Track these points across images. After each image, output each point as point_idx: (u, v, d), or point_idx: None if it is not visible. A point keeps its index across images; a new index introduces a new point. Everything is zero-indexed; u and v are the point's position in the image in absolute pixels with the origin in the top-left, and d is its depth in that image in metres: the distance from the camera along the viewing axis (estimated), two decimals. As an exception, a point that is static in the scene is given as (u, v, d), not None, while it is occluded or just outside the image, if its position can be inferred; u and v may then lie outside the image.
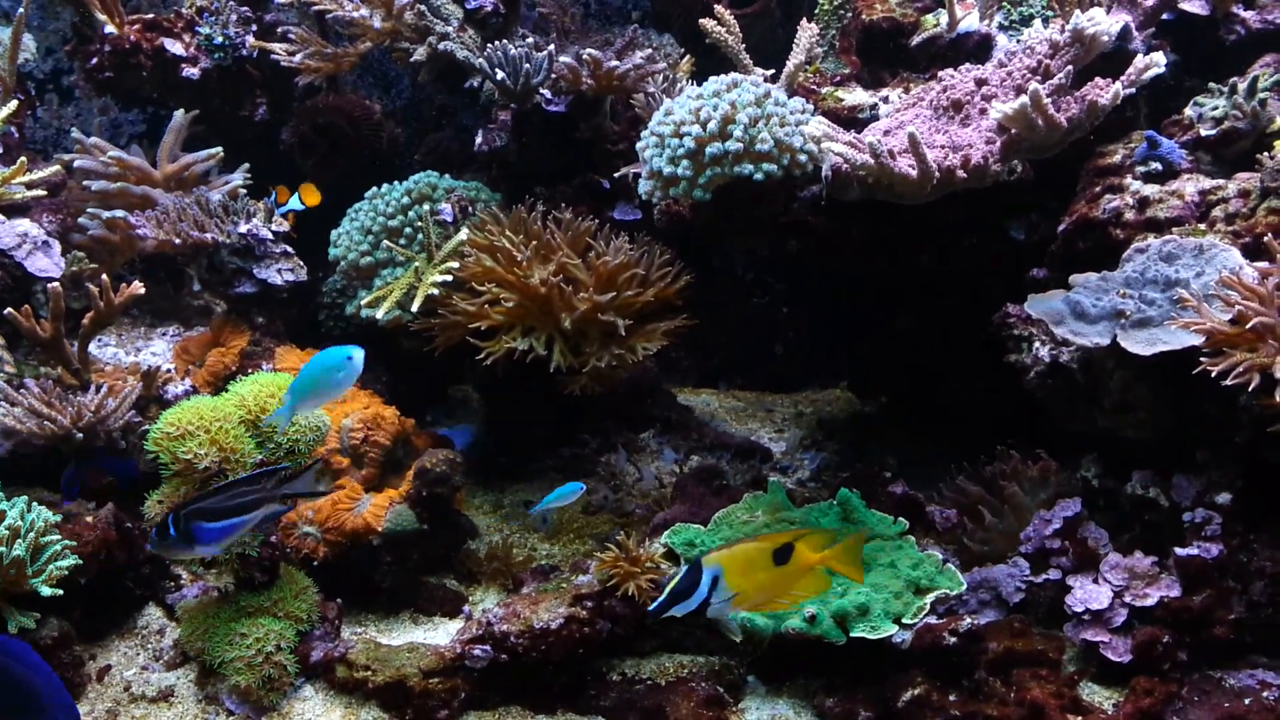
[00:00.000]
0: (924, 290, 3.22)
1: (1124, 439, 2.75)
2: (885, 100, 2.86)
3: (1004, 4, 2.94)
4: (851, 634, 2.52)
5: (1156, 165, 2.71)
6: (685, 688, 2.64)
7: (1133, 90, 2.50)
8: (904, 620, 2.55)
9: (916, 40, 2.91)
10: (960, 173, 2.38)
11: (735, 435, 3.60)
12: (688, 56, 3.21)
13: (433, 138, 3.69)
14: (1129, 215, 2.67)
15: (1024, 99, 2.31)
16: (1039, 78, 2.49)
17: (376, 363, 3.58)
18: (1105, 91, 2.35)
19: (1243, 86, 2.70)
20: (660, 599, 2.12)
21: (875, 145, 2.29)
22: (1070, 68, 2.46)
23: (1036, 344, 2.79)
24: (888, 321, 3.43)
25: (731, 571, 2.10)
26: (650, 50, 3.06)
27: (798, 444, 3.59)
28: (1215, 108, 2.73)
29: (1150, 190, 2.69)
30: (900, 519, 2.76)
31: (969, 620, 2.52)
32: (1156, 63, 2.50)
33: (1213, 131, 2.72)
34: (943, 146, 2.43)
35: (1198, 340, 2.38)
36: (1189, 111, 2.80)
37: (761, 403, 4.06)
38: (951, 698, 2.50)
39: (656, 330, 2.91)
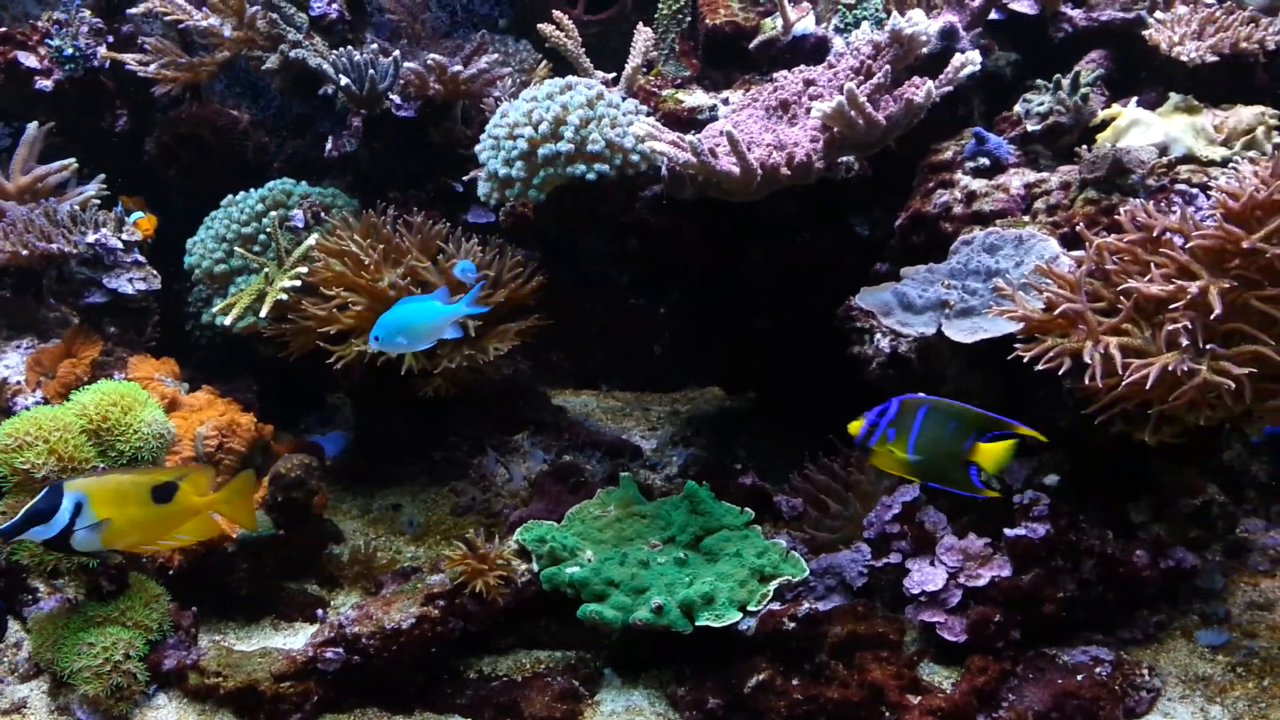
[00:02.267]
0: (782, 286, 3.29)
1: (963, 426, 2.85)
2: (726, 102, 2.94)
3: (840, 7, 3.03)
4: (697, 623, 2.57)
5: (985, 160, 2.81)
6: (541, 683, 2.68)
7: (949, 88, 2.60)
8: (749, 608, 2.61)
9: (755, 43, 3.00)
10: (784, 170, 2.45)
11: (607, 434, 3.65)
12: (544, 62, 3.26)
13: (291, 145, 3.70)
14: (957, 209, 2.76)
15: (840, 98, 2.39)
16: (861, 78, 2.57)
17: (246, 370, 3.59)
18: (919, 90, 2.44)
19: (1066, 82, 2.81)
20: (14, 520, 2.09)
21: (695, 144, 2.36)
22: (888, 67, 2.54)
23: (878, 335, 2.87)
24: (750, 318, 3.50)
25: (99, 501, 2.07)
26: (497, 55, 3.10)
27: (668, 441, 3.65)
28: (1041, 104, 2.84)
29: (978, 185, 2.79)
30: (747, 509, 2.82)
31: (808, 605, 2.58)
32: (972, 61, 2.59)
33: (1038, 127, 2.83)
34: (769, 145, 2.51)
35: (1016, 327, 2.47)
36: (1018, 108, 2.91)
37: (639, 402, 4.12)
38: (794, 681, 2.56)
39: (508, 330, 2.95)
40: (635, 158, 2.66)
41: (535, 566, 2.69)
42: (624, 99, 2.78)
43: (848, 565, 2.77)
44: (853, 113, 2.40)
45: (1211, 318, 2.25)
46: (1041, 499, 2.65)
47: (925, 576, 2.67)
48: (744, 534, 2.77)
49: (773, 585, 2.63)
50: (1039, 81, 2.88)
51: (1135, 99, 2.76)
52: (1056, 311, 2.36)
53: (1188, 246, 2.32)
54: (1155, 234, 2.39)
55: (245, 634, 2.92)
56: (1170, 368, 2.26)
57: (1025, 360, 2.39)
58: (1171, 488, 2.73)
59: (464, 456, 3.44)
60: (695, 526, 2.78)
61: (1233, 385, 2.26)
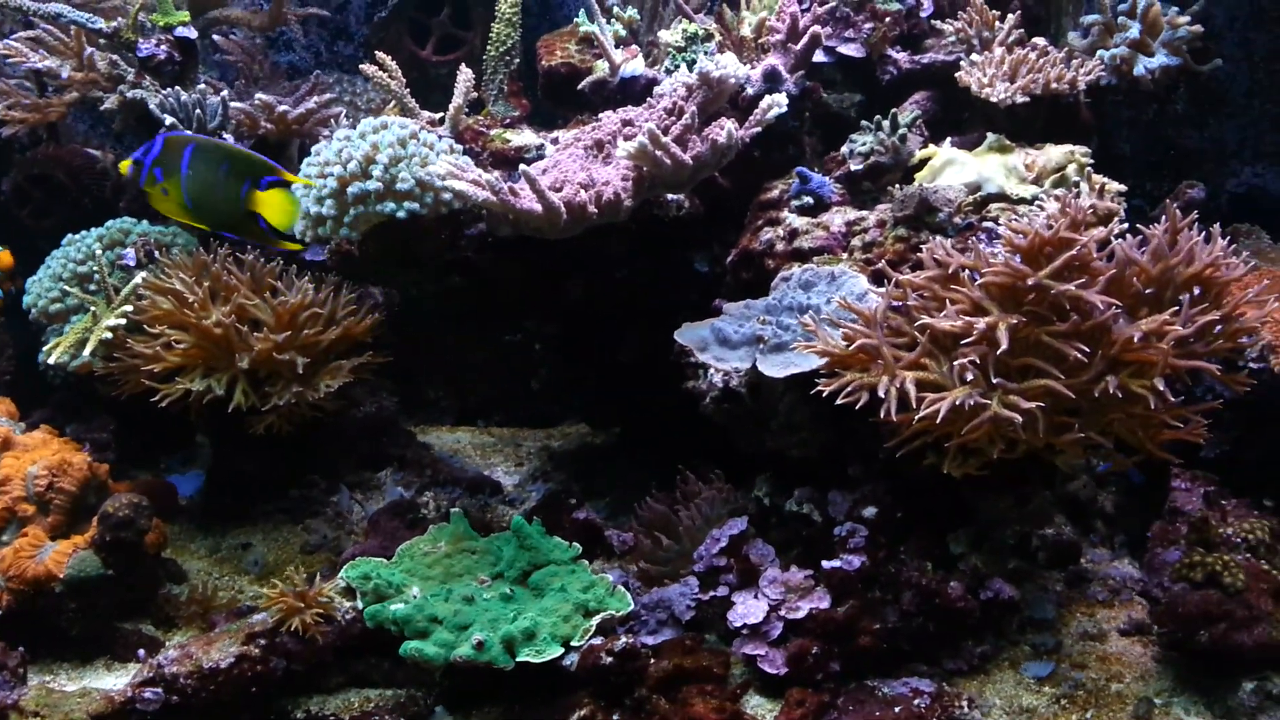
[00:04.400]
0: (638, 322, 3.34)
1: (795, 458, 2.89)
2: (555, 141, 2.99)
3: (670, 50, 3.10)
4: (518, 658, 2.58)
5: (808, 199, 2.87)
6: (369, 721, 2.67)
7: (758, 129, 2.66)
8: (573, 643, 2.63)
9: (585, 85, 3.05)
10: (591, 209, 2.50)
11: (469, 471, 3.66)
12: (393, 103, 3.30)
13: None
14: (780, 246, 2.82)
15: (642, 139, 2.44)
16: (673, 119, 2.63)
17: (105, 410, 3.57)
18: (722, 131, 2.50)
19: (886, 124, 2.88)
20: None
21: (494, 183, 2.40)
22: (694, 109, 2.60)
23: (711, 370, 2.92)
24: (615, 353, 3.54)
25: None
26: (330, 95, 3.14)
27: (529, 477, 3.66)
28: (864, 144, 2.91)
29: (801, 222, 2.85)
30: (575, 544, 2.84)
31: (624, 640, 2.59)
32: (778, 103, 2.66)
33: (860, 166, 2.89)
34: (579, 184, 2.55)
35: (820, 362, 2.52)
36: (844, 148, 2.97)
37: (514, 438, 4.14)
38: (615, 717, 2.58)
39: (341, 367, 2.97)
40: (448, 196, 2.69)
41: (360, 604, 2.69)
42: (441, 139, 2.82)
43: (676, 599, 2.79)
44: (657, 152, 2.45)
45: (999, 353, 2.31)
46: (859, 530, 2.69)
47: (748, 609, 2.70)
48: (571, 569, 2.79)
49: (596, 620, 2.65)
50: (863, 123, 2.96)
51: (949, 139, 2.84)
52: (854, 346, 2.41)
53: (980, 283, 2.39)
54: (951, 271, 2.45)
55: (78, 674, 2.89)
56: (959, 403, 2.31)
57: (824, 395, 2.44)
58: (989, 519, 2.78)
59: (320, 494, 3.44)
60: (523, 562, 2.80)
61: (1020, 419, 2.31)
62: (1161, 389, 2.29)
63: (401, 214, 2.66)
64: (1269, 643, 2.48)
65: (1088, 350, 2.31)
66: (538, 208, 2.43)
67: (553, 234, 2.56)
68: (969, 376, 2.30)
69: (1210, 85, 3.34)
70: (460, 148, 2.85)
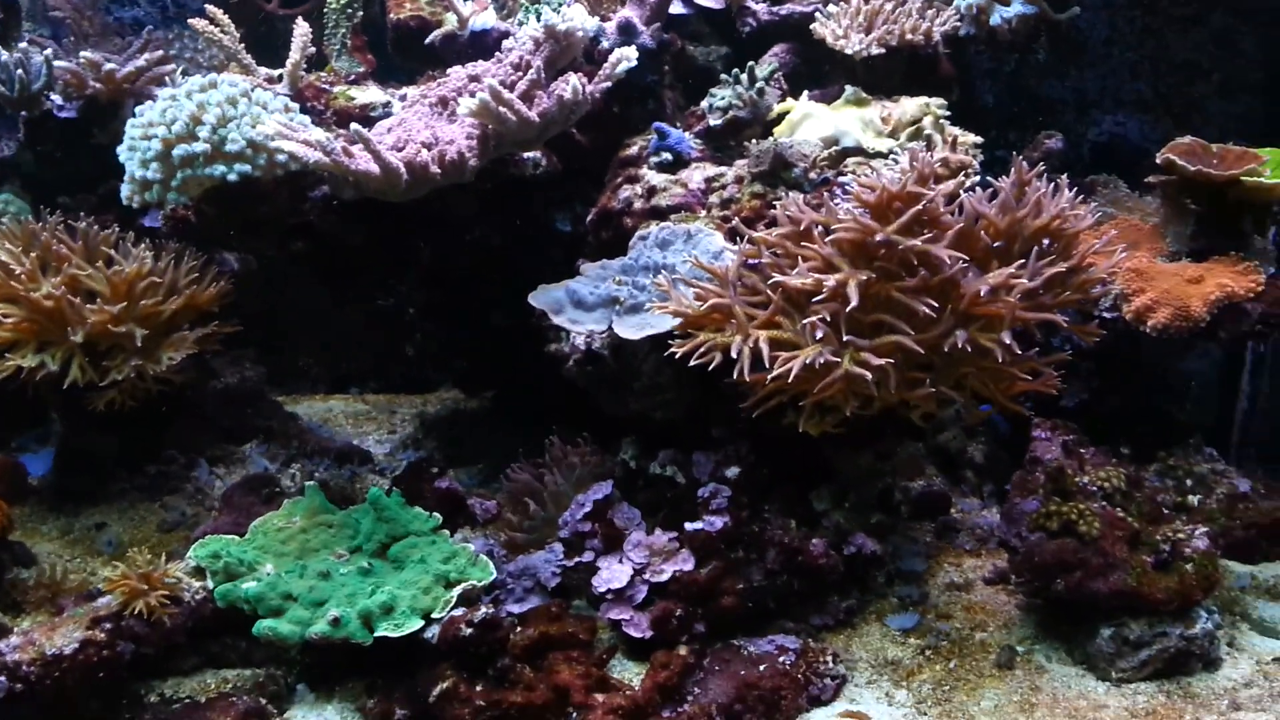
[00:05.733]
0: (508, 284, 3.26)
1: (660, 420, 2.86)
2: (403, 98, 2.89)
3: (523, 2, 3.01)
4: (376, 633, 2.52)
5: (667, 155, 2.82)
6: (225, 703, 2.58)
7: (608, 84, 2.59)
8: (434, 615, 2.57)
9: (434, 39, 2.95)
10: (434, 169, 2.41)
11: (337, 441, 3.57)
12: (238, 59, 3.13)
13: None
14: (638, 204, 2.77)
15: (483, 95, 2.35)
16: (521, 74, 2.55)
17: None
18: (567, 87, 2.42)
19: (744, 77, 2.83)
20: None
21: (325, 143, 2.30)
22: (541, 63, 2.52)
23: (572, 332, 2.86)
24: (488, 315, 3.46)
25: None
26: (162, 52, 2.99)
27: (400, 445, 3.58)
28: (723, 98, 2.86)
29: (660, 180, 2.80)
30: (435, 514, 2.78)
31: (485, 609, 2.54)
32: (627, 57, 2.59)
33: (719, 121, 2.85)
34: (422, 143, 2.46)
35: (675, 323, 2.48)
36: (704, 103, 2.92)
37: (389, 405, 4.05)
38: (478, 688, 2.53)
39: (185, 338, 2.84)
40: (282, 157, 2.58)
41: (211, 584, 2.60)
42: (277, 97, 2.70)
43: (542, 566, 2.75)
44: (501, 109, 2.37)
45: (850, 309, 2.29)
46: (722, 491, 2.67)
47: (612, 574, 2.67)
48: (431, 540, 2.72)
49: (457, 591, 2.59)
50: (722, 76, 2.90)
51: (806, 93, 2.80)
52: (707, 306, 2.37)
53: (831, 239, 2.36)
54: (803, 227, 2.42)
55: (-83, 668, 2.75)
56: (810, 361, 2.29)
57: (677, 356, 2.40)
58: (851, 474, 2.78)
59: (179, 470, 3.31)
60: (381, 534, 2.73)
61: (872, 376, 2.30)
62: (1008, 342, 2.30)
63: (232, 176, 2.53)
64: (1124, 589, 2.52)
65: (937, 305, 2.31)
66: (374, 169, 2.34)
67: (396, 196, 2.47)
68: (819, 334, 2.28)
69: (1070, 34, 3.36)
70: (296, 106, 2.72)
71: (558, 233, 3.00)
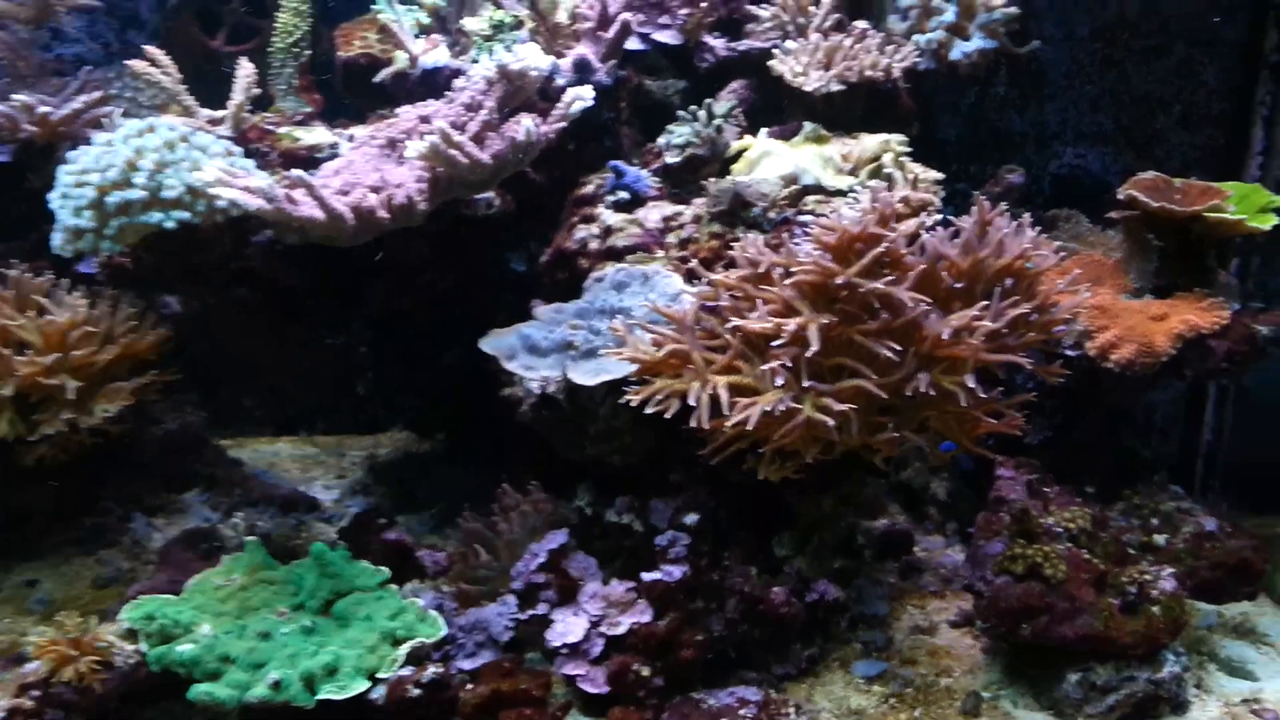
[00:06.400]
0: (461, 325, 3.17)
1: (618, 465, 2.77)
2: (351, 139, 2.79)
3: (477, 39, 2.93)
4: (319, 695, 2.40)
5: (624, 194, 2.75)
6: (161, 771, 2.47)
7: (563, 124, 2.52)
8: (380, 674, 2.46)
9: (384, 77, 2.86)
10: (382, 213, 2.32)
11: (283, 488, 3.44)
12: (179, 100, 3.03)
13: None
14: (594, 245, 2.69)
15: (433, 138, 2.27)
16: (473, 114, 2.46)
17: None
18: (519, 128, 2.35)
19: (702, 114, 2.77)
20: None
21: (267, 190, 2.20)
22: (493, 103, 2.44)
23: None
24: (440, 355, 3.36)
25: None
26: (101, 93, 2.88)
27: (349, 491, 3.47)
28: (681, 135, 2.79)
29: (616, 219, 2.72)
30: (382, 568, 2.67)
31: (433, 670, 2.43)
32: (581, 96, 2.53)
33: (677, 159, 2.78)
34: (369, 186, 2.37)
35: (632, 369, 2.40)
36: (661, 139, 2.85)
37: (339, 448, 3.93)
38: (430, 750, 2.43)
39: (121, 390, 2.72)
40: (223, 203, 2.47)
41: (145, 646, 2.47)
42: (218, 140, 2.59)
43: (494, 619, 2.65)
44: (451, 151, 2.29)
45: (810, 353, 2.22)
46: (680, 539, 2.59)
47: (567, 627, 2.57)
48: (379, 595, 2.61)
49: (404, 649, 2.48)
50: (679, 113, 2.84)
51: (764, 130, 2.74)
52: (664, 351, 2.29)
53: (790, 282, 2.29)
54: (763, 270, 2.35)
55: None
56: (770, 408, 2.22)
57: (633, 404, 2.31)
58: (813, 520, 2.70)
59: (116, 523, 3.17)
60: (326, 590, 2.61)
61: (833, 423, 2.23)
62: (971, 385, 2.24)
63: (170, 224, 2.42)
64: (1091, 634, 2.47)
65: (899, 348, 2.24)
66: (319, 214, 2.24)
67: (343, 241, 2.37)
68: (780, 380, 2.20)
69: (1030, 67, 3.33)
70: (239, 150, 2.61)
71: (512, 273, 2.91)
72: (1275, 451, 3.57)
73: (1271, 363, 3.51)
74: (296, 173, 2.23)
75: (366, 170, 2.45)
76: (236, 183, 2.29)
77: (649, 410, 2.30)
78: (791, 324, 2.21)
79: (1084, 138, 3.45)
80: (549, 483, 3.01)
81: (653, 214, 2.68)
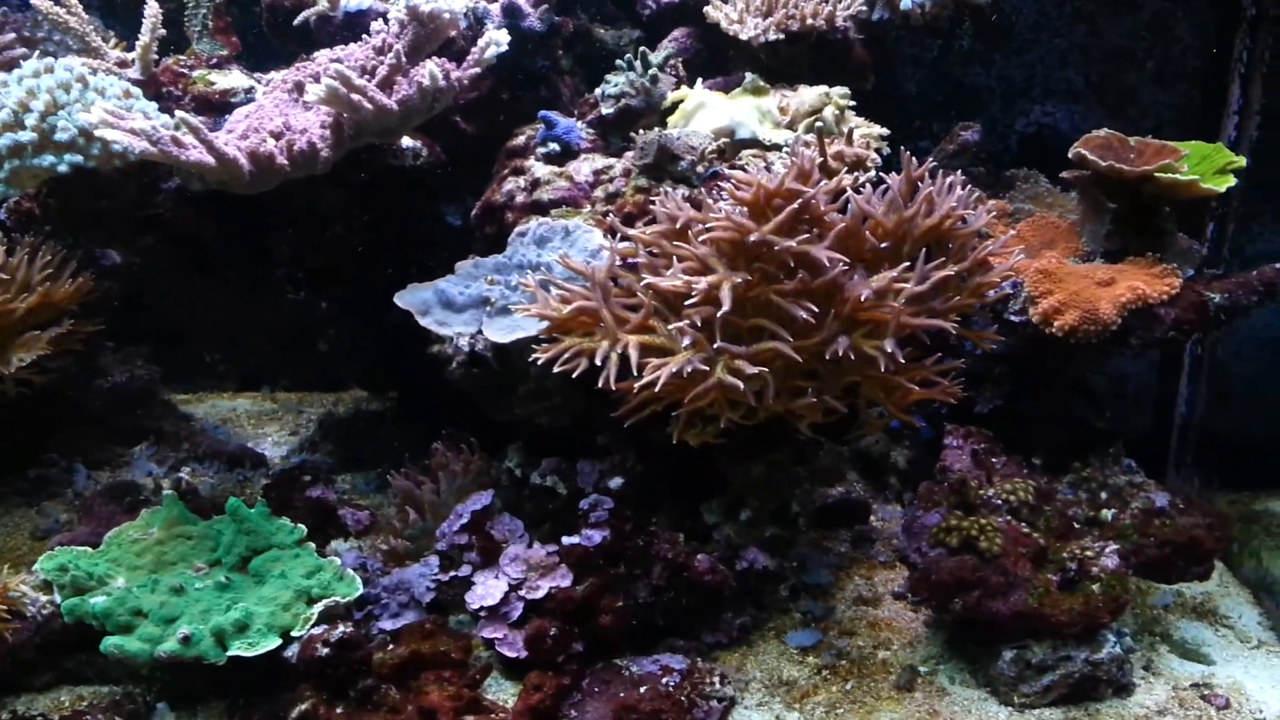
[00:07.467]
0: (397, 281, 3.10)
1: (547, 426, 2.71)
2: (268, 84, 2.72)
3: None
4: (229, 651, 2.37)
5: (555, 146, 2.67)
6: (78, 721, 2.45)
7: (477, 70, 2.43)
8: (294, 633, 2.43)
9: (306, 19, 2.78)
10: (281, 160, 2.25)
11: (231, 444, 3.41)
12: (114, 43, 2.97)
13: None
14: (520, 198, 2.62)
15: (331, 81, 2.19)
16: (383, 57, 2.38)
17: None
18: (424, 73, 2.27)
19: (638, 63, 2.68)
20: None
21: (151, 131, 2.14)
22: (401, 47, 2.36)
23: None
24: (384, 314, 3.30)
25: None
26: (13, 35, 2.81)
27: (298, 448, 3.43)
28: (615, 85, 2.70)
29: (545, 172, 2.65)
30: (299, 526, 2.63)
31: (342, 628, 2.40)
32: (496, 41, 2.44)
33: (611, 110, 2.70)
34: (271, 132, 2.30)
35: (543, 326, 2.33)
36: (598, 90, 2.76)
37: (299, 404, 3.89)
38: (339, 710, 2.39)
39: (38, 338, 2.68)
40: (118, 147, 2.40)
41: (59, 598, 2.45)
42: (118, 82, 2.51)
43: (416, 580, 2.61)
44: (353, 96, 2.21)
45: (723, 314, 2.14)
46: (603, 503, 2.53)
47: (487, 590, 2.53)
48: (296, 553, 2.58)
49: (318, 608, 2.45)
50: (618, 62, 2.74)
51: (700, 80, 2.64)
52: (570, 309, 2.22)
53: (706, 239, 2.21)
54: (680, 225, 2.27)
55: None
56: (678, 369, 2.14)
57: (540, 362, 2.25)
58: (744, 486, 2.63)
59: (59, 474, 3.16)
60: (242, 547, 2.58)
61: (745, 385, 2.15)
62: (890, 350, 2.15)
63: (63, 168, 2.36)
64: (1024, 610, 2.39)
65: (816, 310, 2.16)
66: (209, 159, 2.17)
67: (241, 188, 2.30)
68: (688, 340, 2.12)
69: (996, 19, 3.19)
70: (139, 92, 2.54)
71: (449, 227, 2.84)
72: (1250, 425, 3.45)
73: (1245, 334, 3.40)
74: (180, 114, 2.16)
75: (273, 115, 2.39)
76: (121, 124, 2.23)
77: (556, 369, 2.23)
78: (703, 283, 2.13)
79: (1053, 94, 3.31)
80: (486, 442, 2.96)
81: (584, 167, 2.60)
